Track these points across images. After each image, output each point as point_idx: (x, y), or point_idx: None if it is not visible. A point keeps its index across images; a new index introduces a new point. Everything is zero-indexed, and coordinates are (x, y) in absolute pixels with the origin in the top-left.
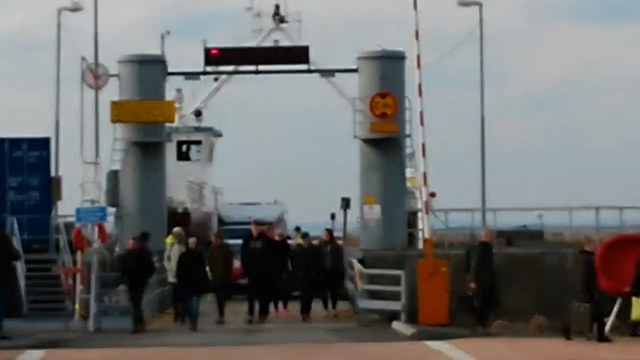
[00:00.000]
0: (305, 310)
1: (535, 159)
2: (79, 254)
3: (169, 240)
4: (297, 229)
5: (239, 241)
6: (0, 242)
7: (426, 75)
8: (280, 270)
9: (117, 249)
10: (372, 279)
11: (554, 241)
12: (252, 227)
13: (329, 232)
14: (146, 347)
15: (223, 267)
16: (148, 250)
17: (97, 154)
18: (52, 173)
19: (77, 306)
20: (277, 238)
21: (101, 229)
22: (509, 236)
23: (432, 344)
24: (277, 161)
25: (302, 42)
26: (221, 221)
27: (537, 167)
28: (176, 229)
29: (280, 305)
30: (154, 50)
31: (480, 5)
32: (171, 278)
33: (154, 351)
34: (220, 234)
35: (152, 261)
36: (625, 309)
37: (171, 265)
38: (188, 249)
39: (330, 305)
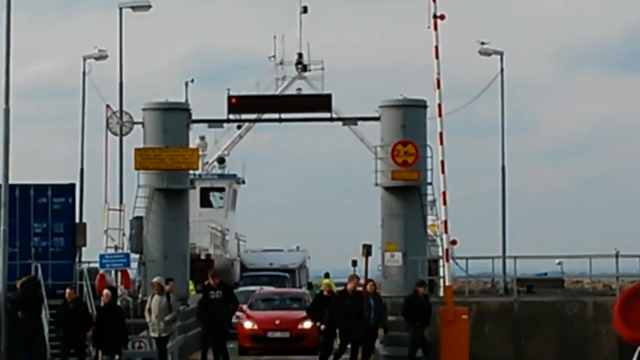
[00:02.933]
0: None
1: (559, 206)
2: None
3: (191, 286)
4: (327, 275)
5: (257, 288)
6: (33, 288)
7: (449, 124)
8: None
9: (140, 295)
10: (393, 326)
11: (574, 289)
12: (210, 279)
13: (373, 283)
14: None
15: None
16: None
17: (121, 201)
18: (77, 219)
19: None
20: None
21: (125, 275)
22: (530, 284)
23: None
24: (299, 208)
25: (324, 91)
26: (243, 267)
27: (559, 215)
28: (156, 279)
29: None
30: (178, 98)
31: (501, 54)
32: (152, 332)
33: None
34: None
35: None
36: None
37: (151, 318)
38: (104, 304)
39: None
